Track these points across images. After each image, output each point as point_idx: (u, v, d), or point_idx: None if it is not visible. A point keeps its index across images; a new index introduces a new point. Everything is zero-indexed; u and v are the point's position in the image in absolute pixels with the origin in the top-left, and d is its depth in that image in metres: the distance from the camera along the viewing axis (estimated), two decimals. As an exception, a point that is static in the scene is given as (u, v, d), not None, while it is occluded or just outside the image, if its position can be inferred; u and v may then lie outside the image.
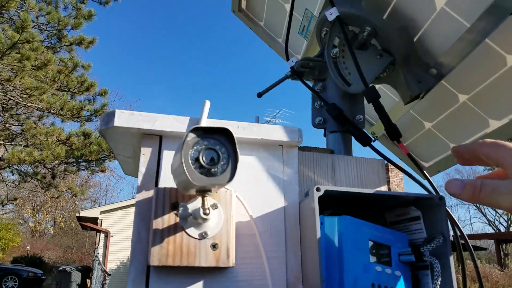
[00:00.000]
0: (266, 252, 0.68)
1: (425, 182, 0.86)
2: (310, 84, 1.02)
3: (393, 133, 0.87)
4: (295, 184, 0.74)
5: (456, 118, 1.08)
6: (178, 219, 0.62)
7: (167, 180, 0.69)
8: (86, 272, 15.51)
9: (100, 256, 14.73)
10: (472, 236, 19.43)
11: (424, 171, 0.86)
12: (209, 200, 0.61)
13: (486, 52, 0.87)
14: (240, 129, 0.72)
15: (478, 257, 24.79)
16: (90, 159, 10.02)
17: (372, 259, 0.66)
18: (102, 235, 15.62)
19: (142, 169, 0.69)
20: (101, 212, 15.80)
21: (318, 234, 0.62)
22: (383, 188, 0.84)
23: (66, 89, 9.57)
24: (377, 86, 1.25)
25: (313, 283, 0.64)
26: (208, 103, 0.71)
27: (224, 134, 0.56)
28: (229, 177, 0.55)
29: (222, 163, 0.55)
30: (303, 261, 0.69)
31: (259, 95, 1.08)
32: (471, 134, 1.08)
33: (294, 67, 1.02)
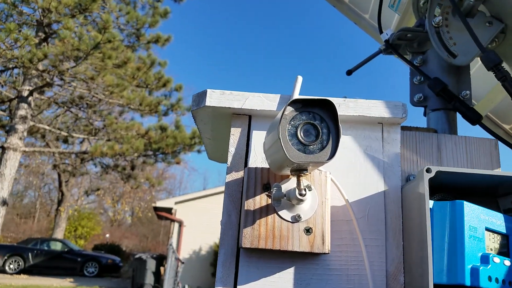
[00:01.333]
0: (363, 240, 0.62)
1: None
2: (408, 58, 0.93)
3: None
4: (397, 166, 0.66)
5: None
6: (270, 201, 0.59)
7: (257, 161, 0.66)
8: (160, 260, 16.49)
9: (174, 245, 15.58)
10: None
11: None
12: (304, 181, 0.57)
13: None
14: (335, 105, 0.66)
15: None
16: (166, 152, 10.59)
17: (489, 248, 0.57)
18: (176, 225, 16.48)
19: (231, 149, 0.66)
20: (176, 203, 16.66)
21: (429, 221, 0.54)
22: (497, 171, 0.72)
23: (145, 86, 10.19)
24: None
25: (417, 274, 0.57)
26: (300, 79, 0.66)
27: (325, 108, 0.51)
28: (329, 154, 0.50)
29: (322, 139, 0.50)
30: (406, 250, 0.62)
31: (349, 72, 1.01)
32: None
33: (390, 39, 0.93)
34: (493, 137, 0.74)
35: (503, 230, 0.58)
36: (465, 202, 0.57)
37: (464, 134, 0.77)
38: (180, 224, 16.36)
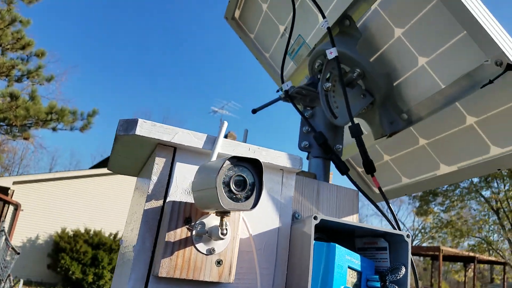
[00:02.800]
0: (259, 269, 0.75)
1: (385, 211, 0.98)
2: (301, 108, 1.10)
3: (369, 167, 0.98)
4: (289, 207, 0.81)
5: (413, 157, 1.24)
6: (189, 233, 0.67)
7: (177, 192, 0.72)
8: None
9: (6, 231, 13.55)
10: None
11: (390, 205, 0.99)
12: (227, 219, 0.66)
13: (452, 110, 1.02)
14: (251, 152, 0.77)
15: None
16: (13, 124, 9.18)
17: (349, 282, 0.76)
18: (11, 208, 14.36)
19: (154, 178, 0.71)
20: (14, 183, 14.51)
21: (311, 259, 0.70)
22: (355, 216, 0.95)
23: (-4, 44, 8.64)
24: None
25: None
26: (226, 124, 0.75)
27: (254, 164, 0.62)
28: (253, 204, 0.61)
29: (248, 190, 0.61)
30: (289, 278, 0.77)
31: (254, 111, 1.14)
32: (422, 172, 1.24)
33: (289, 91, 1.09)
34: (356, 188, 0.96)
35: (359, 268, 0.78)
36: (336, 246, 0.74)
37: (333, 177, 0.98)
38: (17, 207, 14.29)
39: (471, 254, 18.06)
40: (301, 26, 1.26)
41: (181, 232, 0.67)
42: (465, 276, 21.76)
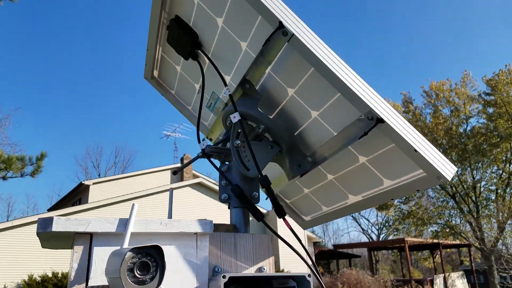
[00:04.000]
0: (181, 327, 0.85)
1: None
2: (218, 164, 1.22)
3: (279, 212, 1.12)
4: (205, 266, 0.92)
5: (326, 189, 1.40)
6: (109, 312, 0.76)
7: (97, 273, 0.81)
8: None
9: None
10: (349, 245, 21.82)
11: (302, 242, 1.12)
12: (138, 297, 0.76)
13: (347, 151, 1.18)
14: (163, 225, 0.88)
15: (354, 263, 27.79)
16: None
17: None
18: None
19: (74, 265, 0.80)
20: (-36, 236, 13.59)
21: (223, 313, 0.82)
22: (271, 259, 1.07)
23: None
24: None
25: None
26: (136, 206, 0.85)
27: (155, 248, 0.72)
28: (157, 283, 0.71)
29: (152, 271, 0.71)
30: (210, 330, 0.88)
31: (175, 173, 1.25)
32: (336, 202, 1.40)
33: (205, 150, 1.21)
34: (271, 233, 1.09)
35: (269, 308, 0.91)
36: (246, 295, 0.86)
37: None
38: (-27, 262, 13.39)
39: (436, 241, 18.98)
40: (213, 84, 1.39)
41: (102, 313, 0.76)
42: (433, 262, 22.76)
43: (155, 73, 1.61)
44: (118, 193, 17.70)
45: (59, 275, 13.97)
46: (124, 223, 0.84)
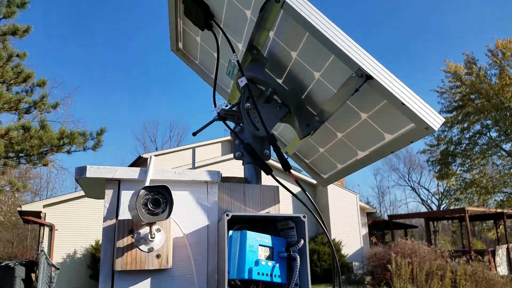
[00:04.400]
0: (193, 256, 1.03)
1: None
2: (232, 125, 1.37)
3: (285, 166, 1.24)
4: (215, 209, 1.09)
5: (338, 147, 1.49)
6: (133, 240, 0.95)
7: (125, 212, 1.01)
8: (31, 266, 14.98)
9: (46, 250, 14.34)
10: (405, 216, 21.31)
11: (306, 193, 1.25)
12: (155, 227, 0.94)
13: (349, 110, 1.26)
14: (176, 174, 1.05)
15: (412, 234, 27.15)
16: (31, 154, 9.72)
17: (261, 256, 1.03)
18: (47, 229, 15.15)
19: (106, 204, 1.00)
20: (45, 206, 15.27)
21: (227, 244, 0.98)
22: (277, 206, 1.21)
23: (2, 81, 9.15)
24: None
25: (223, 274, 1.00)
26: (153, 158, 1.03)
27: (164, 188, 0.90)
28: (167, 215, 0.89)
29: (162, 205, 0.89)
30: (218, 261, 1.05)
31: (194, 134, 1.41)
32: (348, 158, 1.49)
33: (220, 113, 1.36)
34: (276, 184, 1.23)
35: (270, 245, 1.05)
36: (247, 232, 1.02)
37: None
38: (51, 228, 15.07)
39: (499, 210, 17.94)
40: (229, 52, 1.52)
41: (128, 240, 0.95)
42: (497, 232, 21.59)
43: (180, 45, 1.77)
44: (174, 165, 18.67)
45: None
46: (144, 172, 1.02)
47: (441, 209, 30.45)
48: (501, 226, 21.15)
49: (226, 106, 1.44)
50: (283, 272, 1.04)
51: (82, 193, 16.05)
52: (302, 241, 1.04)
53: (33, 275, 14.28)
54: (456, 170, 19.93)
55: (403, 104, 1.03)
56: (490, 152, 19.09)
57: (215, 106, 1.40)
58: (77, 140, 9.74)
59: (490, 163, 19.67)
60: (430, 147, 20.39)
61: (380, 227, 23.18)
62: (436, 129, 1.03)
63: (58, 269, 6.91)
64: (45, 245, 14.62)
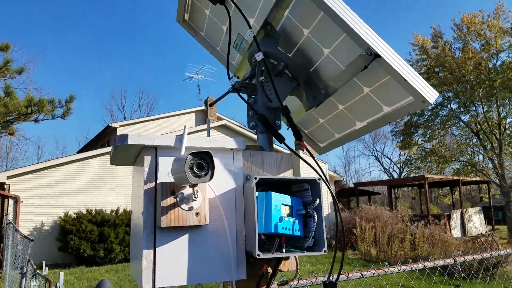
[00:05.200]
0: (225, 215, 1.17)
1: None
2: (246, 97, 1.48)
3: (297, 135, 1.38)
4: (241, 173, 1.22)
5: (337, 118, 1.64)
6: (175, 200, 1.07)
7: (163, 175, 1.12)
8: (-5, 240, 14.66)
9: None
10: (369, 183, 22.39)
11: (316, 160, 1.40)
12: (196, 188, 1.06)
13: (353, 84, 1.40)
14: (208, 142, 1.16)
15: (374, 200, 28.62)
16: (-5, 122, 9.32)
17: (283, 213, 1.18)
18: (11, 201, 14.72)
19: (146, 169, 1.11)
20: (8, 177, 14.77)
21: (255, 203, 1.12)
22: (290, 171, 1.36)
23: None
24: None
25: (249, 229, 1.15)
26: (187, 127, 1.14)
27: (207, 154, 1.01)
28: (209, 178, 1.01)
29: (205, 169, 1.01)
30: (245, 220, 1.20)
31: (211, 105, 1.51)
32: (346, 129, 1.65)
33: (235, 86, 1.46)
34: (289, 152, 1.37)
35: (290, 204, 1.20)
36: (272, 193, 1.16)
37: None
38: (16, 200, 14.66)
39: (456, 177, 19.21)
40: (238, 26, 1.61)
41: (170, 200, 1.07)
42: (452, 198, 23.22)
43: (186, 16, 1.82)
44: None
45: (93, 211, 15.16)
46: (179, 139, 1.13)
47: (402, 177, 32.10)
48: (456, 192, 22.72)
49: (231, 78, 1.54)
50: (301, 227, 1.20)
51: (47, 164, 15.63)
52: (318, 200, 1.20)
53: (-3, 248, 14.00)
54: (417, 140, 20.98)
55: (405, 80, 1.19)
56: (449, 123, 20.15)
57: (229, 78, 1.49)
58: (46, 108, 9.41)
59: (449, 133, 20.81)
60: (395, 118, 21.18)
61: (346, 194, 24.26)
62: (432, 102, 1.19)
63: (32, 240, 6.86)
64: (10, 218, 14.27)
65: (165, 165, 1.12)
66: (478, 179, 19.86)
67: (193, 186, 1.03)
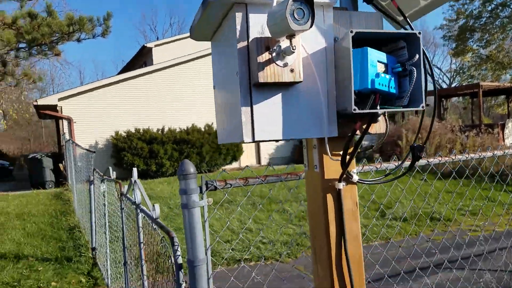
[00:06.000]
0: (316, 73, 1.13)
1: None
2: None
3: None
4: (331, 31, 1.15)
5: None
6: (270, 56, 1.04)
7: (254, 33, 1.07)
8: (56, 158, 16.01)
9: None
10: (416, 93, 21.39)
11: (406, 17, 1.28)
12: (294, 40, 1.02)
13: None
14: None
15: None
16: (43, 43, 9.53)
17: (379, 70, 1.12)
18: (65, 122, 15.70)
19: (238, 27, 1.06)
20: (60, 99, 15.57)
21: (351, 58, 1.07)
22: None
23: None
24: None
25: (343, 87, 1.11)
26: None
27: (308, 1, 0.94)
28: (310, 25, 0.95)
29: (305, 16, 0.95)
30: (336, 74, 1.15)
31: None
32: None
33: None
34: (378, 12, 1.26)
35: (385, 61, 1.14)
36: (368, 48, 1.09)
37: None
38: (69, 121, 15.61)
39: (512, 84, 17.91)
40: None
41: (265, 56, 1.04)
42: (508, 107, 21.88)
43: None
44: (180, 54, 18.32)
45: (141, 130, 15.89)
46: (270, -7, 1.06)
47: (452, 86, 30.43)
48: None
49: None
50: (396, 84, 1.15)
51: (96, 84, 16.17)
52: (417, 55, 1.12)
53: (60, 165, 15.34)
54: (473, 46, 19.36)
55: None
56: (511, 25, 18.23)
57: None
58: (86, 27, 9.44)
59: (510, 37, 18.95)
60: (448, 22, 19.46)
61: (389, 108, 23.52)
62: None
63: (94, 152, 7.40)
64: (67, 137, 15.35)
65: (255, 22, 1.07)
66: (539, 86, 18.43)
67: (291, 37, 0.98)
